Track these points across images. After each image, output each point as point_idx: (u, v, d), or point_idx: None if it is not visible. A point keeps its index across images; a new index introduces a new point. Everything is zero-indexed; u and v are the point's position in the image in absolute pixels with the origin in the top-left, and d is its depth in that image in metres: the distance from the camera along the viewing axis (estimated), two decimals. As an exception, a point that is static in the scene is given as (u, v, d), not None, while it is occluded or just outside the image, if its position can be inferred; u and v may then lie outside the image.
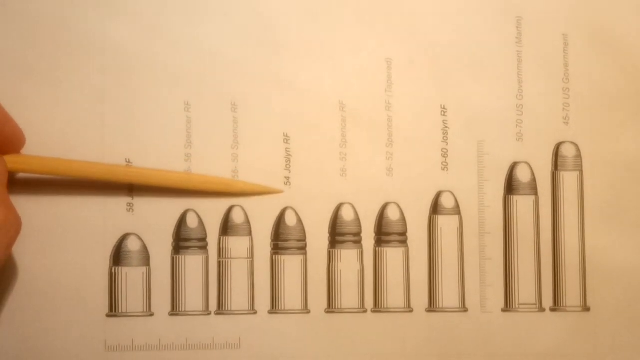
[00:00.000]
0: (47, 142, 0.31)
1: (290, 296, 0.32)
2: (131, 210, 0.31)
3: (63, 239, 0.31)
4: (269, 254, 0.32)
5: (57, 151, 0.31)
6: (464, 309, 0.32)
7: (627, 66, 0.32)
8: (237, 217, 0.32)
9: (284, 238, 0.32)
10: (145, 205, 0.31)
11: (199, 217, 0.31)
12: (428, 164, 0.32)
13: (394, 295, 0.32)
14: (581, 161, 0.32)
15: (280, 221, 0.32)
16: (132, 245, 0.31)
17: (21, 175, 0.31)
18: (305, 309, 0.32)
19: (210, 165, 0.31)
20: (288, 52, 0.32)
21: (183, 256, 0.31)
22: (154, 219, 0.31)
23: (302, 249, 0.32)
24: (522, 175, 0.32)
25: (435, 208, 0.32)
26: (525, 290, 0.32)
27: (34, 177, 0.31)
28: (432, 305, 0.32)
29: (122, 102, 0.31)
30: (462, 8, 0.33)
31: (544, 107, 0.32)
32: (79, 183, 0.31)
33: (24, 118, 0.31)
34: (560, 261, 0.32)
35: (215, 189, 0.31)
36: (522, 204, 0.32)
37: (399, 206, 0.32)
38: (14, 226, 0.28)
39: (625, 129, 0.32)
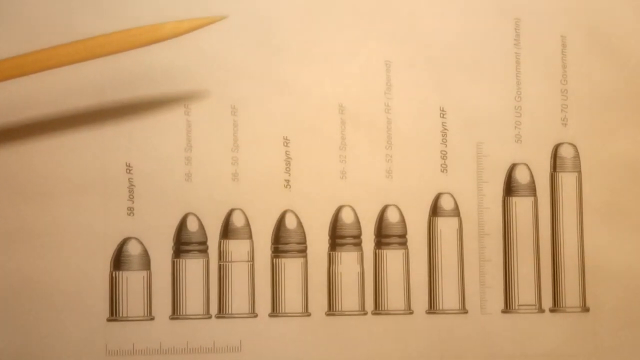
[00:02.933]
0: (46, 143, 0.31)
1: (291, 299, 0.32)
2: (131, 214, 0.31)
3: (63, 243, 0.31)
4: (269, 257, 0.32)
5: (57, 152, 0.31)
6: (463, 310, 0.32)
7: (626, 67, 0.32)
8: (238, 220, 0.32)
9: (284, 241, 0.32)
10: (145, 208, 0.31)
11: (199, 220, 0.31)
12: (427, 166, 0.32)
13: (394, 298, 0.32)
14: (580, 162, 0.32)
15: (280, 224, 0.32)
16: (133, 249, 0.31)
17: (22, 180, 0.31)
18: (306, 312, 0.32)
19: (210, 169, 0.31)
20: (287, 54, 0.32)
21: (183, 260, 0.31)
22: (154, 223, 0.31)
23: (303, 252, 0.32)
24: (521, 176, 0.32)
25: (435, 210, 0.32)
26: (524, 292, 0.32)
27: (34, 180, 0.31)
28: (432, 307, 0.32)
29: (121, 105, 0.31)
30: (461, 10, 0.33)
31: (542, 109, 0.33)
32: (79, 187, 0.31)
33: (21, 120, 0.31)
34: (559, 262, 0.32)
35: (143, 41, 0.28)
36: (521, 205, 0.32)
37: (398, 208, 0.32)
38: None
39: (624, 130, 0.32)
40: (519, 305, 0.32)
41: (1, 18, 0.31)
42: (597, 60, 0.33)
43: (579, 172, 0.32)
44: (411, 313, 0.32)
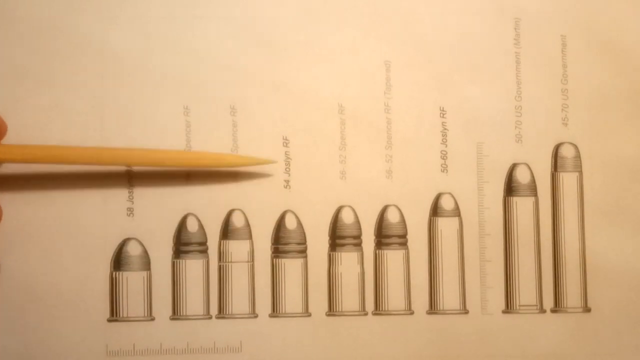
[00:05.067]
0: (47, 143, 0.31)
1: (291, 299, 0.32)
2: (131, 214, 0.31)
3: (64, 244, 0.31)
4: (269, 258, 0.32)
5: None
6: (464, 310, 0.32)
7: (626, 67, 0.32)
8: (237, 220, 0.32)
9: (284, 241, 0.32)
10: (145, 209, 0.31)
11: (199, 221, 0.31)
12: (427, 166, 0.32)
13: (394, 298, 0.32)
14: (580, 162, 0.32)
15: (280, 224, 0.32)
16: (133, 249, 0.31)
17: (22, 180, 0.31)
18: (306, 312, 0.32)
19: (210, 169, 0.32)
20: (287, 55, 0.32)
21: (183, 260, 0.31)
22: (154, 224, 0.31)
23: (303, 252, 0.32)
24: (522, 176, 0.32)
25: (435, 210, 0.32)
26: (525, 292, 0.32)
27: (34, 182, 0.31)
28: (433, 308, 0.32)
29: (121, 107, 0.32)
30: (461, 10, 0.33)
31: (543, 109, 0.32)
32: (78, 185, 0.31)
33: (23, 122, 0.31)
34: (560, 262, 0.32)
35: (208, 164, 0.31)
36: (521, 205, 0.32)
37: (398, 208, 0.32)
38: None
39: (624, 129, 0.32)
40: (519, 306, 0.32)
41: (1, 18, 0.31)
42: (597, 60, 0.32)
43: (580, 172, 0.32)
44: (411, 313, 0.32)
